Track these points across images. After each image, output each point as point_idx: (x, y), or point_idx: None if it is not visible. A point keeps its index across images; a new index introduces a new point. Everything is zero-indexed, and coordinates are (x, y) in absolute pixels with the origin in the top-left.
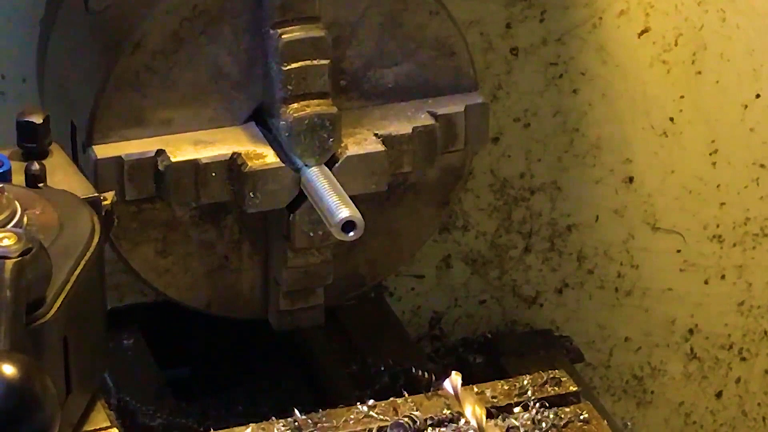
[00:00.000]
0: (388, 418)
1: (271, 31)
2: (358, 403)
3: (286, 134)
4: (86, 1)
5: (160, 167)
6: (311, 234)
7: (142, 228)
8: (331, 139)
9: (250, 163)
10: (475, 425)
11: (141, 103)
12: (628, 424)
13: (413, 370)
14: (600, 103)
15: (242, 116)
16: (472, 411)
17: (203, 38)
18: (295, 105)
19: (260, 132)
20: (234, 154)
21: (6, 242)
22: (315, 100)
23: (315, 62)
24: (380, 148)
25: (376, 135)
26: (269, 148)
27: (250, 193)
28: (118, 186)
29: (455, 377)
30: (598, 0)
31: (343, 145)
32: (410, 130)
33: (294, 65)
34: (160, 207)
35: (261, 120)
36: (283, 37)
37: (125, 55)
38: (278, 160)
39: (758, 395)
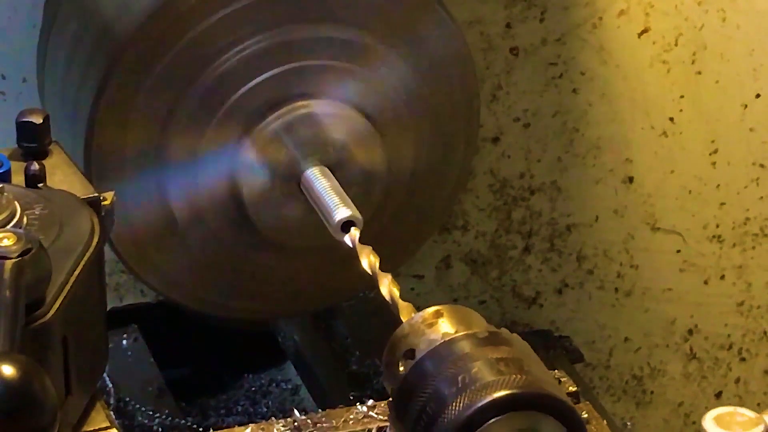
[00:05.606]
0: (387, 418)
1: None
2: (358, 403)
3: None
4: None
5: None
6: None
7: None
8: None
9: None
10: (370, 273)
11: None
12: (628, 424)
13: None
14: (600, 103)
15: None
16: (368, 262)
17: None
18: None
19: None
20: None
21: (6, 242)
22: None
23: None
24: None
25: None
26: None
27: None
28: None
29: (354, 231)
30: (598, 0)
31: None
32: None
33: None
34: None
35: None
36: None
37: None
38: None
39: (758, 395)
